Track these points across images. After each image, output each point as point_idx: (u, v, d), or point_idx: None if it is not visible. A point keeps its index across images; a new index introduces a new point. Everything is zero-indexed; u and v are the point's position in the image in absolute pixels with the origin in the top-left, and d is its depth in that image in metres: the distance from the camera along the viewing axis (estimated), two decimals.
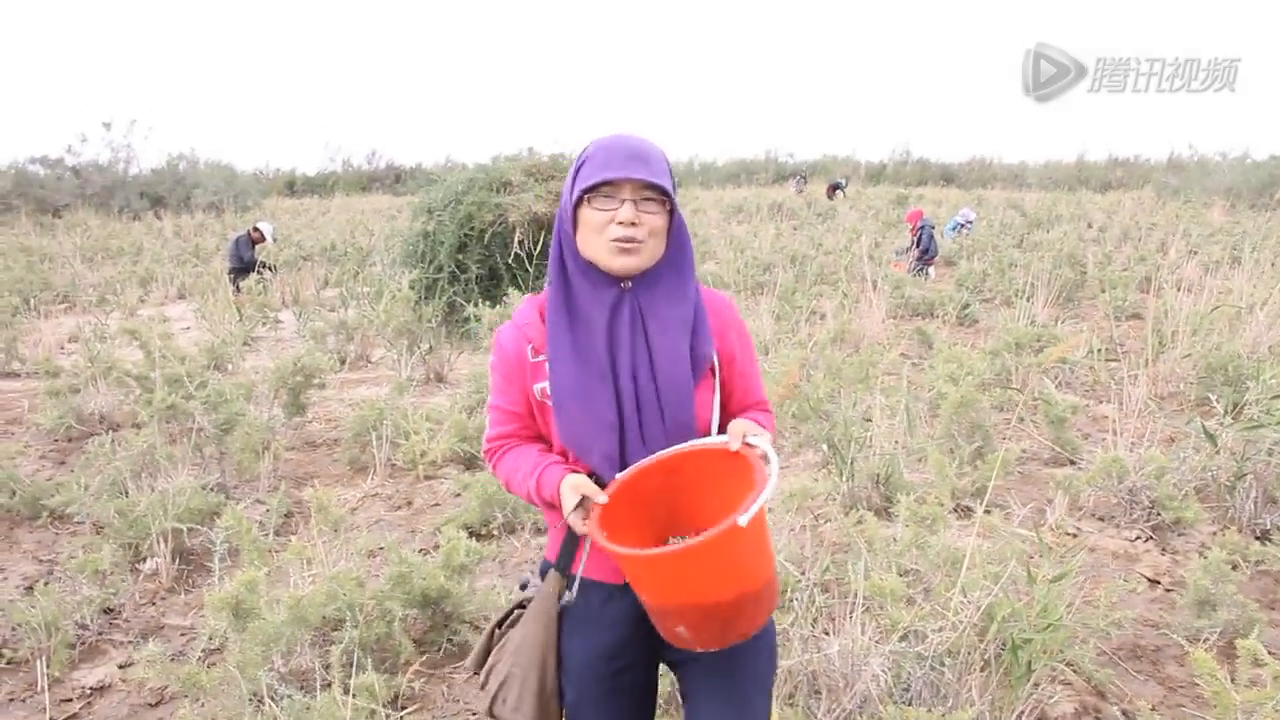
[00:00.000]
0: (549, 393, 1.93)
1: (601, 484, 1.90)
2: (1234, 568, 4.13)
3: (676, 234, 1.92)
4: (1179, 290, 10.43)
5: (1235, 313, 8.89)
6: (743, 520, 1.60)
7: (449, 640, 3.86)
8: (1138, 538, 5.00)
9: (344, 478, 6.14)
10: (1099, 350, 8.28)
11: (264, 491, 5.70)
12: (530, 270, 10.26)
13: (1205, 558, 4.00)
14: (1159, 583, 4.57)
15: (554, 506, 1.93)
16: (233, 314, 11.43)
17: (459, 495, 5.54)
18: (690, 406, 1.90)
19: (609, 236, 1.82)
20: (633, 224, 1.81)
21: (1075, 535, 5.01)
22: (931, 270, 15.84)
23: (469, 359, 9.12)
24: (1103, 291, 12.43)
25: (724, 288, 12.62)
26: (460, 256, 10.66)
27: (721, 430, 1.95)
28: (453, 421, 6.25)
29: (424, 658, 3.79)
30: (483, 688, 2.08)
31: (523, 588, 2.11)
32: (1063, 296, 12.15)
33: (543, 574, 2.09)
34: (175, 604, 4.39)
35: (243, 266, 13.54)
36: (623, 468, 1.89)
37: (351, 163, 48.95)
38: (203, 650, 3.81)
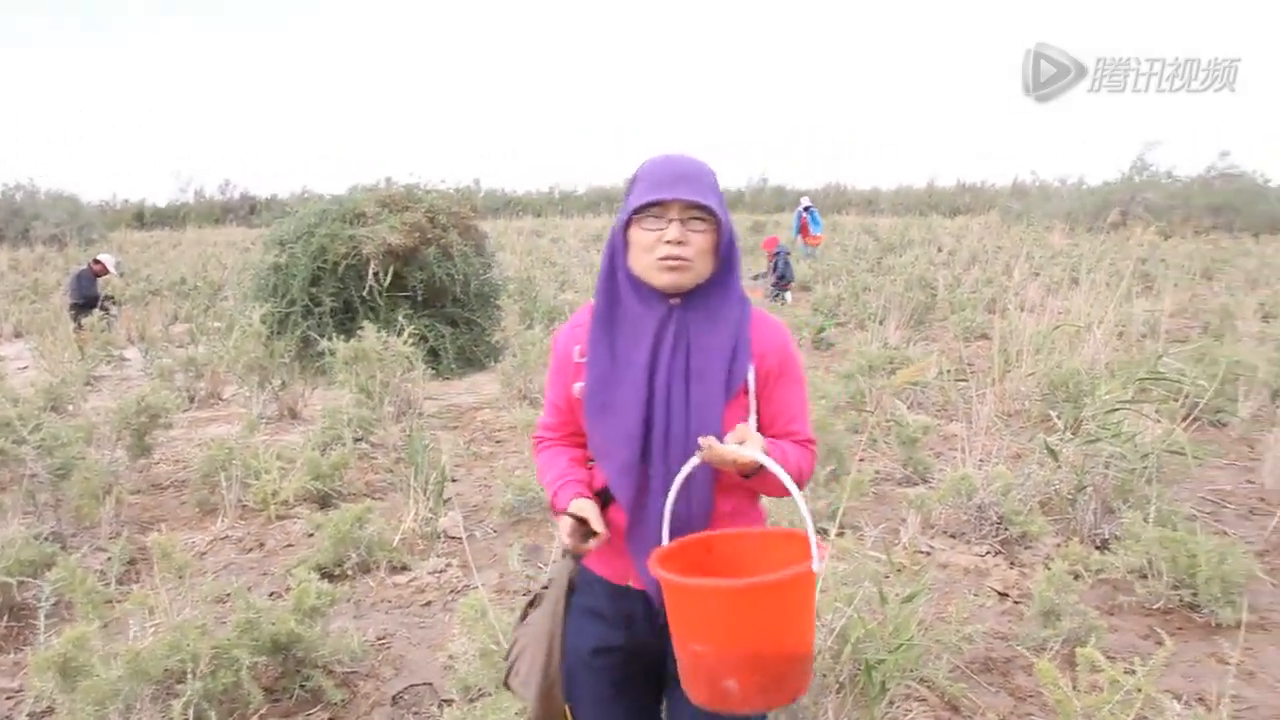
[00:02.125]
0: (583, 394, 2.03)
1: (608, 499, 2.03)
2: (1076, 577, 4.29)
3: (726, 253, 1.99)
4: (1023, 311, 10.84)
5: (1074, 331, 9.27)
6: (816, 565, 1.67)
7: (301, 686, 3.74)
8: (987, 552, 5.15)
9: (192, 521, 5.91)
10: (948, 370, 8.53)
11: (105, 538, 5.43)
12: (384, 303, 10.09)
13: (1050, 569, 4.14)
14: (1008, 595, 4.71)
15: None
16: (74, 352, 10.95)
17: (312, 535, 5.38)
18: (716, 426, 1.93)
19: (657, 255, 1.91)
20: (680, 243, 1.89)
21: (928, 553, 5.14)
22: (788, 295, 16.17)
23: (323, 394, 8.92)
24: (952, 313, 12.86)
25: None
26: (313, 290, 10.42)
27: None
28: (306, 459, 6.08)
29: (275, 705, 3.67)
30: (506, 658, 2.24)
31: (571, 591, 2.17)
32: (914, 319, 12.50)
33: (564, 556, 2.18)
34: (3, 665, 4.13)
35: (84, 302, 12.99)
36: (642, 480, 1.98)
37: (204, 193, 47.53)
38: (29, 714, 3.60)
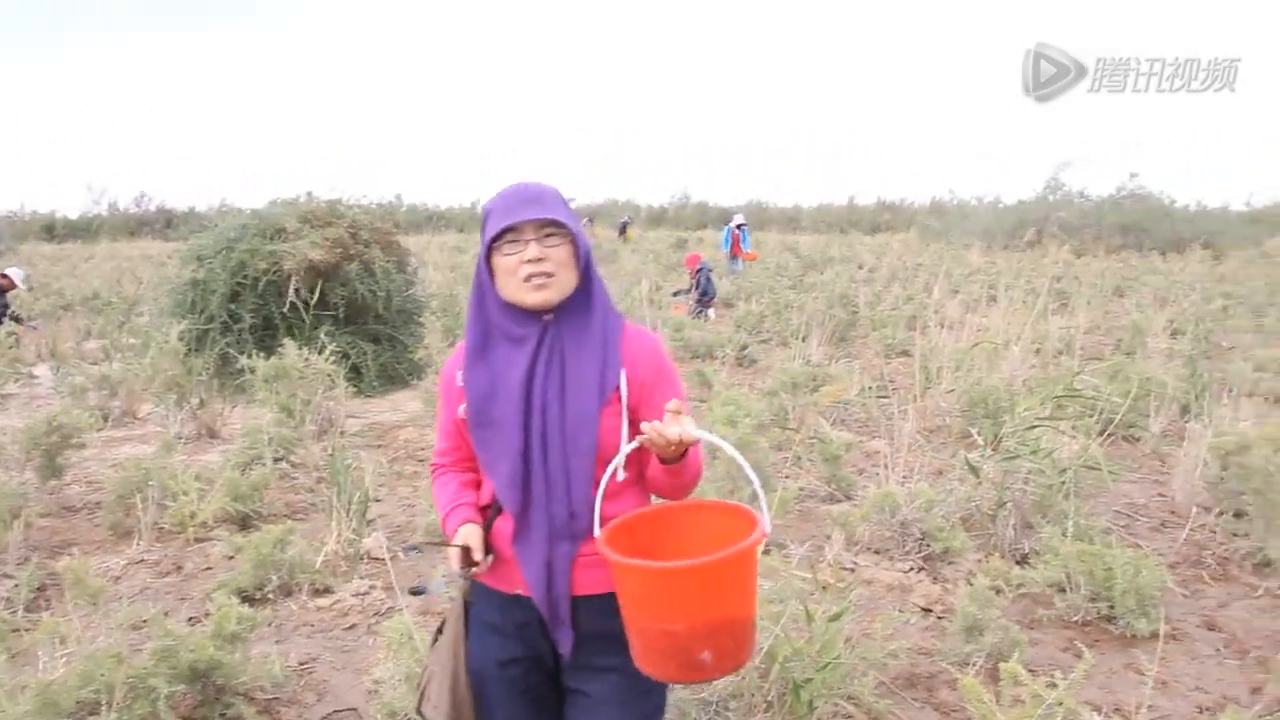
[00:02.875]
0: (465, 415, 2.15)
1: (499, 510, 2.14)
2: (998, 592, 4.34)
3: (584, 265, 2.11)
4: (943, 328, 11.02)
5: (993, 349, 9.43)
6: (767, 526, 1.84)
7: (221, 715, 3.64)
8: (911, 569, 5.21)
9: (106, 544, 5.74)
10: (870, 388, 8.63)
11: (12, 564, 5.25)
12: (306, 320, 9.95)
13: (972, 585, 4.20)
14: (932, 611, 4.77)
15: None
16: None
17: (232, 558, 5.26)
18: (592, 432, 2.05)
19: (521, 276, 2.03)
20: (540, 259, 2.02)
21: (852, 570, 5.18)
22: (711, 312, 16.28)
23: (243, 413, 8.75)
24: (874, 330, 13.02)
25: None
26: (233, 306, 10.25)
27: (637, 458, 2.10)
28: (225, 479, 5.95)
29: None
30: (418, 687, 2.25)
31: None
32: (836, 336, 12.60)
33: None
34: None
35: None
36: (525, 489, 2.06)
37: (118, 205, 46.53)
38: None
